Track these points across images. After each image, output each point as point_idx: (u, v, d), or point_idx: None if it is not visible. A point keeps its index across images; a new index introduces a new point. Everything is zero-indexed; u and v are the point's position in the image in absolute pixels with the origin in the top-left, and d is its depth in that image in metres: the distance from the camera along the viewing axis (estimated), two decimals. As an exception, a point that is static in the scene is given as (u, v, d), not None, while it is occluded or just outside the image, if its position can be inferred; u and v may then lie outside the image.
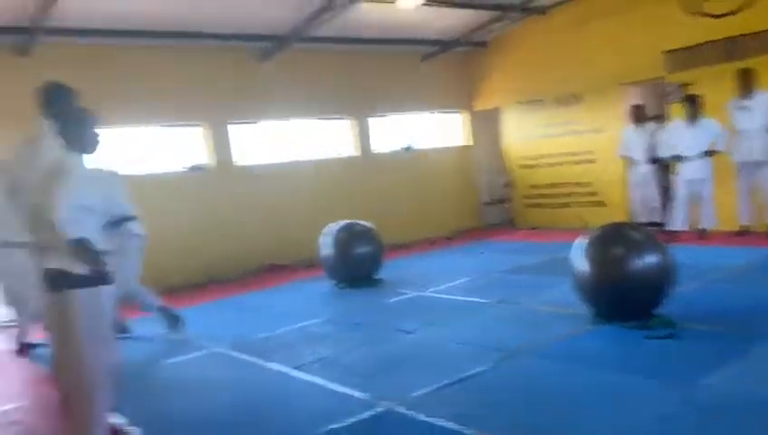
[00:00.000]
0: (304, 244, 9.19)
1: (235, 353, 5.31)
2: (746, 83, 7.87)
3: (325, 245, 7.60)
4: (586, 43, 10.07)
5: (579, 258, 4.99)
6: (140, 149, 9.11)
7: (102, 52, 8.35)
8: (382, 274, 7.75)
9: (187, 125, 9.38)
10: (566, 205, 10.92)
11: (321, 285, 7.83)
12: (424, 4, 9.09)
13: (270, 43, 9.45)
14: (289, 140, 10.41)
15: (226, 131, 9.58)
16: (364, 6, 8.90)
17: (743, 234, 8.21)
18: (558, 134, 10.85)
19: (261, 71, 9.74)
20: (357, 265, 7.49)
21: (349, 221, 7.79)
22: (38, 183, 3.52)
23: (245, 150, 9.90)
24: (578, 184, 10.69)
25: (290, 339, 5.59)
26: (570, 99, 10.59)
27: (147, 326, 6.30)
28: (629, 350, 4.39)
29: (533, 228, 11.21)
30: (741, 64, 8.11)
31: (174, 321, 6.10)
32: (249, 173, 9.75)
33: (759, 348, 4.09)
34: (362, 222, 7.85)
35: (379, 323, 5.80)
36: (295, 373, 4.59)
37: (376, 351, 4.97)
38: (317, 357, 4.92)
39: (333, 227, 7.71)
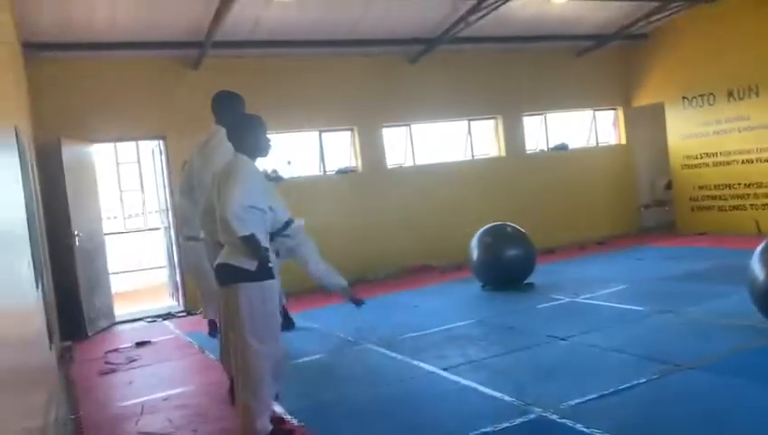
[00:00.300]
0: (454, 245, 9.20)
1: (386, 351, 5.42)
2: None
3: (475, 247, 7.54)
4: (763, 30, 9.13)
5: (757, 265, 4.52)
6: (298, 152, 9.64)
7: (266, 63, 8.91)
8: (532, 278, 7.55)
9: (340, 129, 9.75)
10: (739, 208, 9.96)
11: (471, 288, 7.78)
12: (579, -1, 8.78)
13: (420, 46, 9.56)
14: (439, 141, 10.49)
15: (380, 134, 9.84)
16: (516, 3, 8.73)
17: None
18: (730, 130, 9.93)
19: (411, 73, 9.89)
20: (507, 269, 7.37)
21: (499, 223, 7.69)
22: (212, 183, 3.83)
23: (397, 153, 10.11)
24: (753, 185, 9.71)
25: (438, 339, 5.60)
26: (744, 91, 9.65)
27: (298, 321, 6.63)
28: (818, 369, 3.91)
29: (700, 233, 10.34)
30: None
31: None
32: (400, 175, 9.95)
33: None
34: (513, 225, 7.70)
35: (529, 328, 5.65)
36: (445, 374, 4.59)
37: (527, 356, 4.84)
38: (466, 359, 4.88)
39: (484, 229, 7.63)
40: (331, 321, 6.92)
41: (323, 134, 9.67)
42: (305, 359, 5.46)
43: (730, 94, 9.85)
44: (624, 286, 6.96)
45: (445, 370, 4.68)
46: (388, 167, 9.94)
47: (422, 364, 4.89)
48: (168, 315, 8.36)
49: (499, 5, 8.24)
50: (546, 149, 11.21)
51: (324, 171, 9.64)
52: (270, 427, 3.60)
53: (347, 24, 8.60)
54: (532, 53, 10.75)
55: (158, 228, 10.21)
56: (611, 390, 3.89)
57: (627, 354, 4.59)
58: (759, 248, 4.60)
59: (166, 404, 4.70)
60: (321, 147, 9.63)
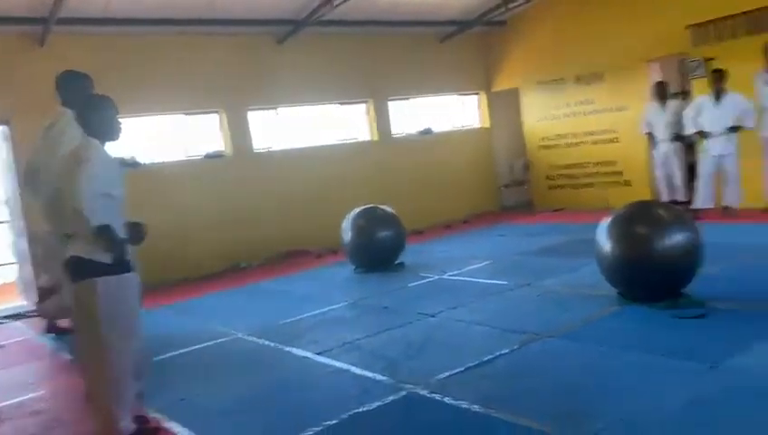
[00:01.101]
0: (325, 229, 9.19)
1: (258, 339, 5.32)
2: (774, 57, 7.65)
3: (347, 230, 7.57)
4: (608, 19, 9.86)
5: (604, 238, 4.90)
6: (158, 137, 9.15)
7: (118, 41, 8.35)
8: (403, 258, 7.71)
9: (205, 112, 9.38)
10: (588, 185, 10.77)
11: (343, 271, 7.83)
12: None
13: (286, 27, 9.38)
14: (308, 125, 10.38)
15: (245, 118, 9.56)
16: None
17: (770, 211, 8.04)
18: (579, 113, 10.68)
19: (277, 56, 9.70)
20: (379, 250, 7.47)
21: (370, 206, 7.76)
22: (60, 169, 3.52)
23: (265, 136, 9.89)
24: (601, 163, 10.53)
25: (312, 324, 5.58)
26: (591, 77, 10.40)
27: (166, 314, 6.34)
28: (658, 330, 4.30)
29: (555, 210, 11.07)
30: (767, 37, 7.88)
31: None
32: (269, 159, 9.75)
33: (792, 327, 4.00)
34: (383, 207, 7.81)
35: (401, 308, 5.77)
36: (319, 358, 4.58)
37: (399, 335, 4.94)
38: (340, 342, 4.90)
39: (355, 212, 7.68)
40: (201, 312, 6.70)
41: (188, 117, 9.24)
42: (172, 353, 5.23)
43: (578, 79, 10.57)
44: (488, 262, 7.30)
45: (318, 354, 4.67)
46: (259, 151, 9.70)
47: (295, 350, 4.85)
48: (18, 316, 7.70)
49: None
50: (412, 132, 11.45)
51: (190, 156, 9.23)
52: (133, 427, 3.41)
53: (209, 2, 8.25)
54: (397, 37, 10.91)
55: (4, 222, 9.30)
56: (477, 362, 4.06)
57: (491, 327, 4.82)
58: (604, 222, 4.97)
59: (19, 411, 4.34)
60: (185, 131, 9.21)
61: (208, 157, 9.29)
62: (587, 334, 4.40)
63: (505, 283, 6.16)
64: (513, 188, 12.46)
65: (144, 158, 8.80)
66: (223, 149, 9.45)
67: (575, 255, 6.90)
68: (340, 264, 8.19)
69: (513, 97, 11.79)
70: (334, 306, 6.11)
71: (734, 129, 8.01)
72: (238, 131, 9.46)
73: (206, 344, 5.40)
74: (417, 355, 4.39)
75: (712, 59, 8.64)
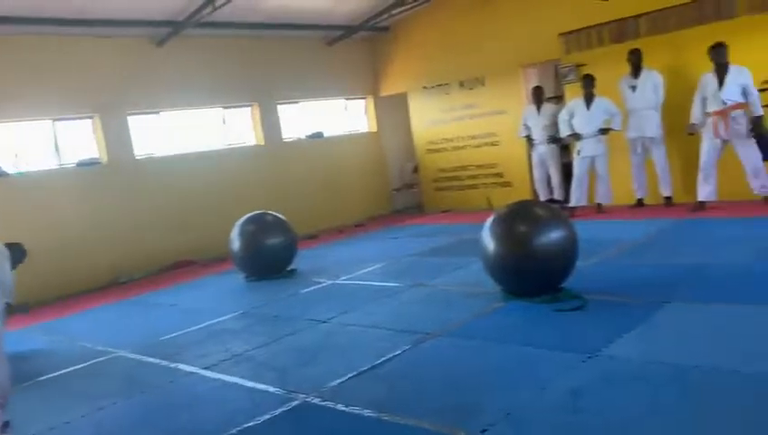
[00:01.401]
0: (214, 238, 8.95)
1: (140, 357, 5.04)
2: (635, 63, 8.25)
3: (235, 238, 7.36)
4: (487, 26, 10.25)
5: (488, 238, 5.06)
6: (29, 144, 8.50)
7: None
8: (294, 265, 7.61)
9: (79, 117, 8.80)
10: (473, 187, 11.13)
11: (233, 280, 7.61)
12: (325, -11, 8.98)
13: (165, 29, 9.00)
14: (193, 130, 10.02)
15: (125, 123, 9.08)
16: (263, -10, 8.66)
17: (638, 207, 8.65)
18: (463, 117, 11.02)
19: (157, 58, 9.29)
20: (269, 257, 7.31)
21: (258, 212, 7.59)
22: None
23: (147, 143, 9.44)
24: (483, 166, 10.92)
25: (200, 337, 5.37)
26: (473, 82, 10.76)
27: (39, 334, 5.89)
28: (539, 324, 4.49)
29: (443, 211, 11.36)
30: (630, 45, 8.50)
31: None
32: (151, 166, 9.31)
33: (658, 315, 4.29)
34: (272, 212, 7.67)
35: (292, 315, 5.67)
36: (207, 373, 4.41)
37: (290, 343, 4.85)
38: (229, 354, 4.74)
39: (243, 218, 7.48)
40: (78, 330, 6.28)
41: (59, 123, 8.63)
42: (44, 377, 4.84)
43: (462, 84, 10.91)
44: (380, 265, 7.35)
45: (206, 368, 4.49)
46: (137, 158, 9.24)
47: (181, 366, 4.64)
48: None
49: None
50: (303, 136, 11.35)
51: (61, 164, 8.63)
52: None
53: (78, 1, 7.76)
54: (284, 40, 10.78)
55: None
56: (369, 366, 4.06)
57: (383, 329, 4.84)
58: (487, 223, 5.14)
59: None
60: (56, 137, 8.60)
61: (81, 165, 8.73)
62: (474, 331, 4.52)
63: (397, 284, 6.22)
64: (403, 192, 12.66)
65: (12, 167, 8.19)
66: (98, 156, 8.90)
67: (462, 254, 7.09)
68: (230, 273, 7.96)
69: (401, 101, 11.99)
70: (223, 317, 5.91)
71: (603, 131, 8.56)
72: (116, 137, 8.96)
73: (82, 365, 5.05)
74: (309, 363, 4.33)
75: (582, 65, 9.20)
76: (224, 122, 10.27)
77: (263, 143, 10.60)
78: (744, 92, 7.28)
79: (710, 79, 7.47)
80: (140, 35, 9.07)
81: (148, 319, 6.42)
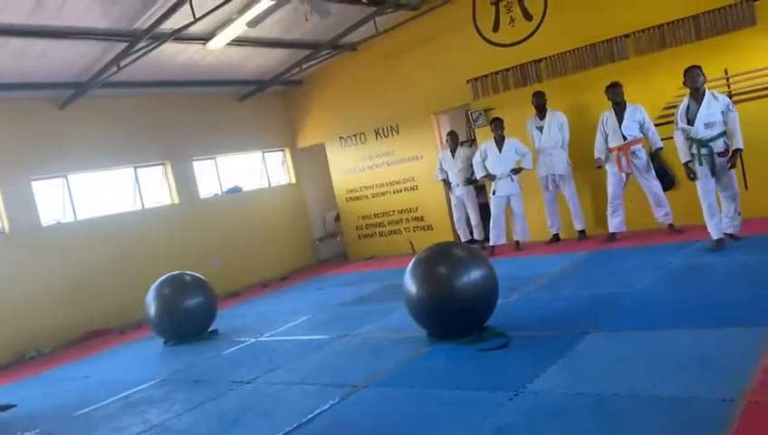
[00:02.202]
0: (130, 303, 8.58)
1: (49, 438, 4.68)
2: (539, 105, 8.64)
3: (151, 301, 7.05)
4: (397, 76, 10.51)
5: (409, 281, 5.06)
6: None
7: None
8: (216, 325, 7.36)
9: (-24, 187, 8.33)
10: (396, 232, 11.21)
11: (151, 346, 7.28)
12: (235, 45, 8.99)
13: (68, 90, 8.73)
14: (104, 192, 9.66)
15: (29, 188, 8.64)
16: (171, 48, 8.56)
17: (554, 242, 8.93)
18: (380, 165, 11.16)
19: (60, 121, 8.97)
20: (187, 320, 7.03)
21: (175, 273, 7.32)
22: None
23: (54, 208, 9.01)
24: (404, 211, 11.04)
25: (115, 410, 5.06)
26: (388, 130, 10.96)
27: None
28: (466, 365, 4.49)
29: (367, 258, 11.35)
30: (534, 88, 8.91)
31: None
32: (58, 233, 8.86)
33: (578, 347, 4.38)
34: (191, 272, 7.43)
35: (214, 378, 5.45)
36: (122, 449, 4.14)
37: (212, 407, 4.63)
38: (147, 426, 4.47)
39: (159, 281, 7.20)
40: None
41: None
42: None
43: (377, 133, 11.09)
44: (306, 317, 7.21)
45: (121, 444, 4.22)
46: (44, 225, 8.79)
47: (94, 444, 4.34)
48: None
49: (149, 51, 7.95)
50: (220, 193, 11.16)
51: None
52: None
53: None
54: (194, 97, 10.67)
55: None
56: (296, 424, 3.92)
57: (310, 385, 4.71)
58: (408, 266, 5.16)
59: None
60: (-49, 209, 8.09)
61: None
62: (401, 379, 4.47)
63: (324, 337, 6.11)
64: (327, 241, 12.60)
65: None
66: (0, 226, 8.42)
67: (388, 300, 7.08)
68: (147, 339, 7.61)
69: (319, 152, 12.03)
70: (140, 387, 5.60)
71: (515, 170, 8.85)
72: (19, 204, 8.51)
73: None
74: (232, 428, 4.13)
75: (491, 109, 9.56)
76: (136, 183, 9.96)
77: (178, 202, 10.33)
78: (642, 128, 7.73)
79: (609, 116, 7.91)
80: (41, 98, 8.75)
81: (58, 395, 5.98)
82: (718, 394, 3.18)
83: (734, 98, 7.64)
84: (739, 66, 7.59)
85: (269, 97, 11.75)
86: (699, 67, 6.44)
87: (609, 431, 3.08)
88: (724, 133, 6.36)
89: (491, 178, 8.97)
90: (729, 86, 7.66)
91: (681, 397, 3.26)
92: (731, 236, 6.54)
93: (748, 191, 7.68)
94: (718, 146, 6.34)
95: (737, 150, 6.34)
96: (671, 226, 7.74)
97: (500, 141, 8.90)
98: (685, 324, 4.38)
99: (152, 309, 7.03)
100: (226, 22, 8.17)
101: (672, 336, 4.22)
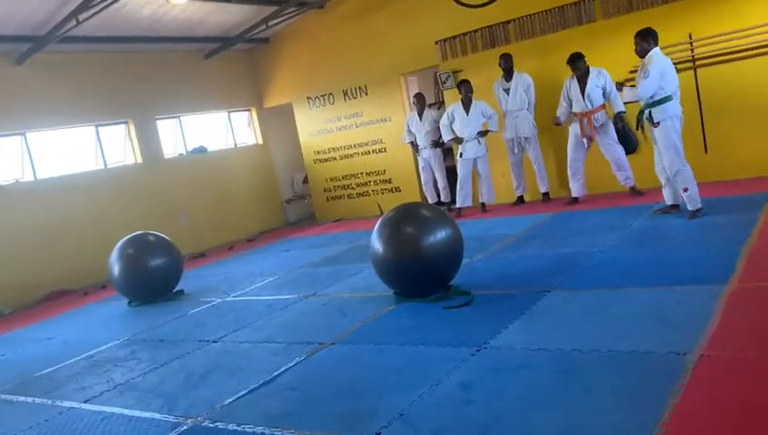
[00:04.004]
0: (93, 264, 8.46)
1: (13, 397, 4.64)
2: (506, 67, 8.63)
3: (114, 262, 6.97)
4: (365, 37, 10.37)
5: (377, 242, 5.09)
6: None
7: None
8: (182, 286, 7.32)
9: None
10: (364, 194, 11.21)
11: (116, 307, 7.22)
12: (199, 0, 8.74)
13: (26, 44, 8.41)
14: (63, 151, 9.41)
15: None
16: (133, 2, 8.29)
17: (519, 204, 9.04)
18: (349, 126, 11.08)
19: (18, 77, 8.65)
20: (152, 280, 6.97)
21: (139, 233, 7.23)
22: None
23: (11, 167, 8.76)
24: (372, 173, 11.02)
25: (79, 369, 5.02)
26: (357, 91, 10.85)
27: None
28: (430, 323, 4.56)
29: (336, 220, 11.35)
30: (502, 50, 8.88)
31: None
32: (18, 192, 8.64)
33: (539, 304, 4.48)
34: (156, 232, 7.34)
35: (180, 337, 5.44)
36: (87, 407, 4.12)
37: (178, 366, 4.64)
38: (112, 385, 4.46)
39: (123, 241, 7.10)
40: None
41: None
42: None
43: (345, 94, 10.97)
44: (272, 278, 7.21)
45: (86, 402, 4.20)
46: (2, 183, 8.55)
47: (59, 402, 4.31)
48: None
49: (110, 4, 7.68)
50: (185, 152, 10.97)
51: None
52: None
53: None
54: (158, 54, 10.38)
55: None
56: (262, 381, 3.95)
57: (276, 343, 4.74)
58: (375, 227, 5.18)
59: None
60: None
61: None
62: (367, 336, 4.52)
63: (290, 297, 6.13)
64: (295, 203, 12.54)
65: None
66: (-45, 184, 8.18)
67: (355, 261, 7.12)
68: (112, 299, 7.54)
69: (287, 112, 11.87)
70: (105, 346, 5.57)
71: (482, 133, 8.88)
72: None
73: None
74: (199, 386, 4.15)
75: (459, 71, 9.52)
76: (98, 141, 9.72)
77: (141, 161, 10.13)
78: (605, 92, 7.78)
79: (572, 83, 7.93)
80: (-4, 52, 8.44)
81: (19, 356, 5.92)
82: (674, 348, 3.30)
83: (698, 62, 7.76)
84: (703, 30, 7.67)
85: (235, 55, 11.51)
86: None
87: (568, 385, 3.17)
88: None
89: (458, 140, 8.98)
90: (693, 50, 7.75)
91: (638, 351, 3.37)
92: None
93: (707, 154, 7.85)
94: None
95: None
96: (632, 188, 7.88)
97: (467, 104, 8.89)
98: (644, 283, 4.50)
99: (116, 269, 6.95)
100: (190, -25, 7.92)
101: (631, 294, 4.34)
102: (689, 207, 6.20)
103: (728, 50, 7.53)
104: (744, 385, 2.84)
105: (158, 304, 6.91)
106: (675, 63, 7.77)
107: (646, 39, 6.14)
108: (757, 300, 3.83)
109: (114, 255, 6.99)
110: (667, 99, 6.05)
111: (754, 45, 7.32)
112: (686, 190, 6.13)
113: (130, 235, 7.15)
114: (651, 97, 6.07)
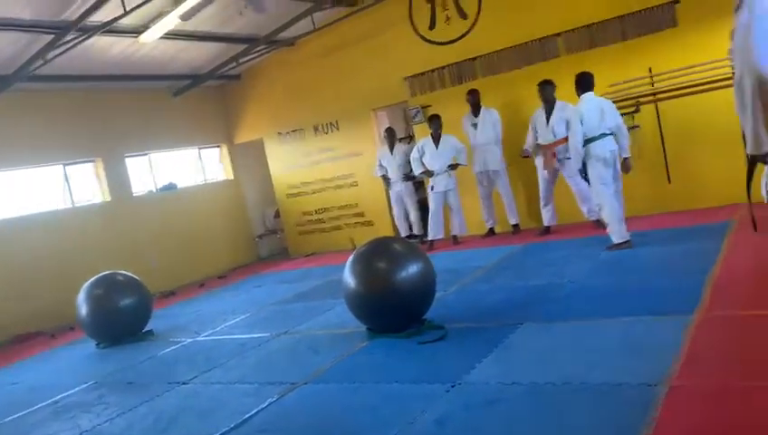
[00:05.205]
0: (61, 305, 8.23)
1: (-28, 448, 4.48)
2: (474, 102, 8.80)
3: (82, 303, 6.82)
4: (336, 72, 10.48)
5: (348, 277, 5.08)
6: None
7: None
8: (151, 325, 7.19)
9: None
10: (337, 228, 11.20)
11: (84, 349, 7.05)
12: (168, 38, 8.77)
13: (-10, 85, 8.32)
14: (32, 190, 9.26)
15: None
16: (102, 41, 8.28)
17: (490, 236, 9.12)
18: (320, 161, 11.12)
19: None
20: (121, 321, 6.82)
21: (107, 272, 7.10)
22: None
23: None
24: (345, 207, 11.04)
25: (45, 416, 4.88)
26: (328, 126, 10.92)
27: None
28: (404, 358, 4.55)
29: (308, 255, 11.30)
30: (469, 85, 9.06)
31: None
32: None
33: (512, 337, 4.51)
34: (124, 272, 7.22)
35: (149, 379, 5.32)
36: (52, 456, 4.00)
37: (148, 410, 4.53)
38: (77, 432, 4.33)
39: (90, 281, 6.96)
40: None
41: None
42: None
43: (316, 129, 11.04)
44: (245, 316, 7.13)
45: (51, 451, 4.08)
46: (-36, 225, 8.37)
47: (22, 452, 4.18)
48: None
49: (79, 42, 7.67)
50: (155, 190, 10.88)
51: None
52: None
53: None
54: (128, 92, 10.35)
55: None
56: (233, 424, 3.88)
57: (248, 384, 4.67)
58: (347, 262, 5.17)
59: None
60: None
61: None
62: (340, 374, 4.48)
63: (263, 335, 6.06)
64: (267, 238, 12.47)
65: None
66: None
67: (328, 296, 7.09)
68: (80, 341, 7.36)
69: (258, 148, 11.88)
70: (71, 391, 5.41)
71: (452, 166, 8.98)
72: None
73: None
74: (168, 430, 4.05)
75: (428, 106, 9.67)
76: (66, 180, 9.59)
77: (110, 199, 10.01)
78: (568, 125, 7.95)
79: (540, 114, 8.13)
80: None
81: (-18, 403, 5.73)
82: (644, 379, 3.33)
83: (658, 95, 8.00)
84: (662, 66, 7.93)
85: (205, 92, 11.52)
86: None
87: (542, 419, 3.18)
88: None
89: (429, 174, 9.07)
90: (653, 84, 8.00)
91: (610, 383, 3.40)
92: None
93: (671, 184, 8.06)
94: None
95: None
96: (597, 221, 7.94)
97: (437, 138, 9.01)
98: (614, 314, 4.55)
99: (84, 310, 6.80)
100: (159, 14, 7.95)
101: (602, 325, 4.39)
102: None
103: (686, 84, 7.80)
104: (713, 415, 2.88)
105: (127, 346, 6.76)
106: (636, 97, 8.07)
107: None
108: (722, 329, 3.91)
109: (81, 295, 6.84)
110: (588, 141, 6.58)
111: (711, 79, 7.58)
112: (607, 225, 6.67)
113: (98, 274, 7.02)
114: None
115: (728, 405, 2.94)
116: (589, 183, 6.91)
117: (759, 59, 2.11)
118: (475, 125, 8.81)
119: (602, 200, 6.59)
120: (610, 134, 6.61)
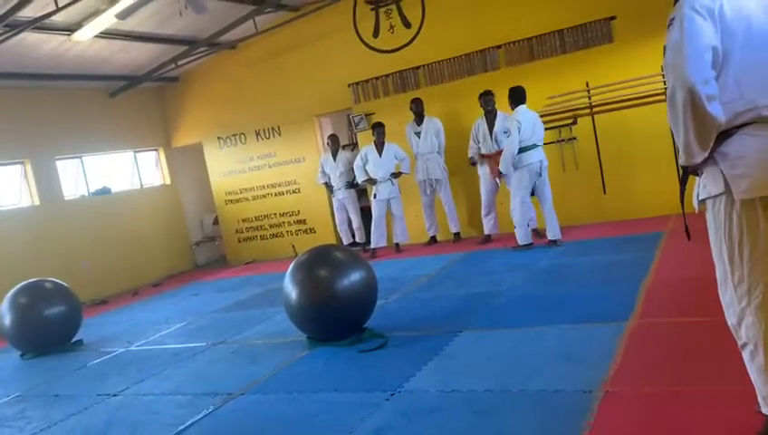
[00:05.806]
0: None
1: None
2: (417, 111, 8.86)
3: (5, 312, 6.47)
4: (279, 77, 10.36)
5: (288, 286, 4.99)
6: None
7: None
8: (81, 335, 6.88)
9: None
10: (277, 235, 11.05)
11: (7, 360, 6.68)
12: (104, 37, 8.47)
13: None
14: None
15: None
16: (32, 38, 7.92)
17: (432, 244, 9.17)
18: (261, 166, 10.95)
19: None
20: (47, 330, 6.48)
21: (33, 280, 6.76)
22: None
23: None
24: (286, 214, 10.90)
25: (-40, 433, 4.57)
26: (269, 132, 10.78)
27: None
28: (344, 368, 4.49)
29: (248, 262, 11.09)
30: (413, 94, 9.11)
31: None
32: None
33: (452, 345, 4.52)
34: (52, 279, 6.89)
35: (78, 391, 5.07)
36: (-33, 475, 3.75)
37: (74, 424, 4.31)
38: (-3, 448, 4.09)
39: (14, 289, 6.61)
40: None
41: None
42: None
43: (258, 134, 10.87)
44: (181, 325, 6.91)
45: (-34, 470, 3.82)
46: None
47: (-66, 471, 3.90)
48: None
49: (5, 39, 7.30)
50: (87, 194, 10.46)
51: None
52: None
53: None
54: (60, 91, 9.92)
55: None
56: (167, 437, 3.74)
57: (182, 395, 4.51)
58: (288, 270, 5.08)
59: None
60: None
61: None
62: (279, 384, 4.38)
63: (199, 344, 5.88)
64: (205, 245, 12.18)
65: None
66: None
67: (268, 305, 6.96)
68: (3, 352, 6.97)
69: (196, 152, 11.61)
70: (-8, 405, 5.12)
71: (395, 175, 9.00)
72: None
73: None
74: (96, 444, 3.87)
75: (372, 113, 9.66)
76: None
77: (38, 203, 9.56)
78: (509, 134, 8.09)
79: (481, 124, 8.26)
80: None
81: None
82: (580, 386, 3.39)
83: (594, 109, 8.24)
84: (599, 79, 8.17)
85: (142, 94, 11.19)
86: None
87: (480, 427, 3.18)
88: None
89: (372, 181, 9.06)
90: (590, 97, 8.24)
91: (547, 390, 3.43)
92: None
93: (606, 195, 8.30)
94: None
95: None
96: (535, 230, 8.11)
97: (380, 146, 9.01)
98: (551, 321, 4.62)
99: (7, 319, 6.44)
100: (95, 12, 7.67)
101: (539, 332, 4.45)
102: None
103: (622, 97, 8.06)
104: (646, 419, 2.95)
105: (54, 356, 6.44)
106: (574, 109, 8.29)
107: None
108: (655, 336, 4.02)
109: (5, 304, 6.49)
110: (521, 150, 7.24)
111: (645, 94, 7.86)
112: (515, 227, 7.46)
113: (23, 283, 6.68)
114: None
115: (660, 409, 3.01)
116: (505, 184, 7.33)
117: (690, 73, 2.18)
118: (418, 134, 8.86)
119: (516, 204, 7.37)
120: (539, 145, 7.28)
